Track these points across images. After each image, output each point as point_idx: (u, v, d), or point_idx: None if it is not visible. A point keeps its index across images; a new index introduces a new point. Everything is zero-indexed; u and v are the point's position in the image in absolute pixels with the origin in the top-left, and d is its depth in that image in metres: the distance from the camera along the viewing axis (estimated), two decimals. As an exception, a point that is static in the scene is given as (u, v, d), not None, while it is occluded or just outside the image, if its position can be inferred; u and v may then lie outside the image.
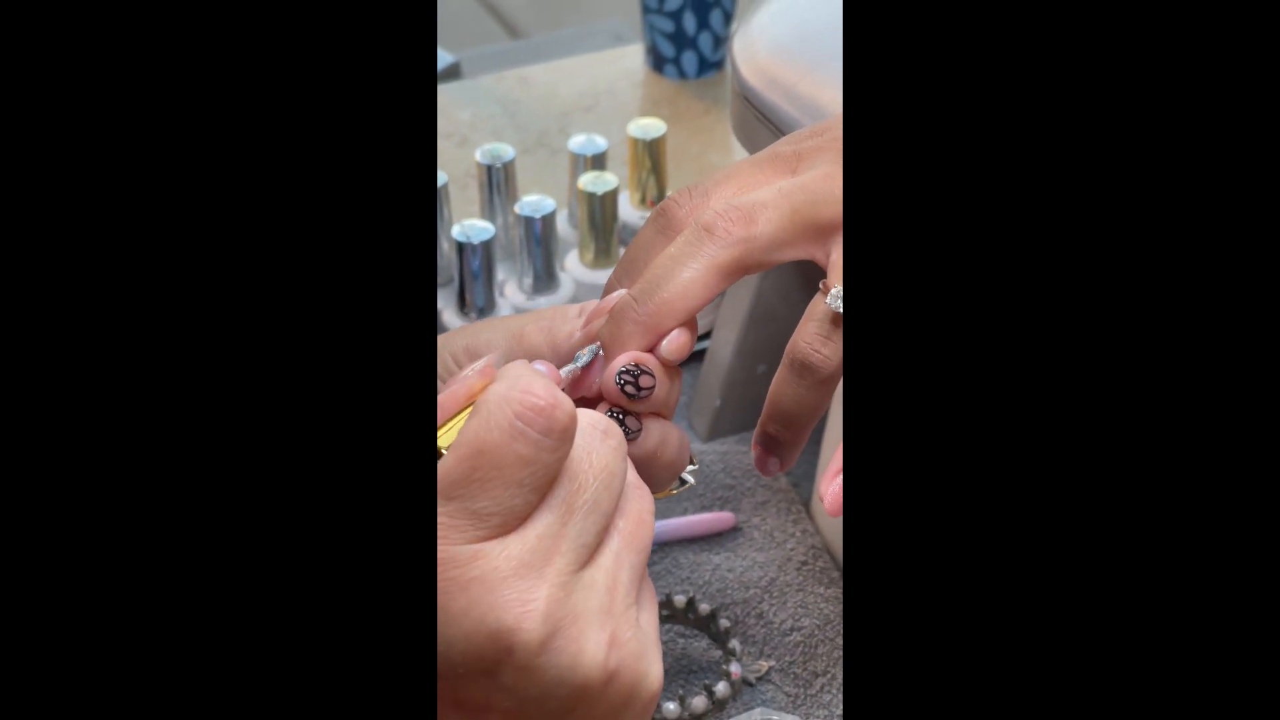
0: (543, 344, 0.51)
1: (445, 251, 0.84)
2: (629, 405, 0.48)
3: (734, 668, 0.67)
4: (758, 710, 0.63)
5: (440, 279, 0.83)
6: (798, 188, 0.50)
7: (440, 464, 0.41)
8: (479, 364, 0.44)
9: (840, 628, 0.70)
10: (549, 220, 0.81)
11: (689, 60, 1.12)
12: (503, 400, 0.41)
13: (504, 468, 0.40)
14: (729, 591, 0.72)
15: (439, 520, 0.40)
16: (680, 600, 0.71)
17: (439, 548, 0.40)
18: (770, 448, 0.53)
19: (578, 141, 0.87)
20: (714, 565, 0.74)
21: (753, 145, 0.69)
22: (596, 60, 1.17)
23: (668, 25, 1.10)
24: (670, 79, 1.13)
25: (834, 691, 0.68)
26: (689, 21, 1.10)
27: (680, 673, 0.70)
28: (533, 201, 0.81)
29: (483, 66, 1.19)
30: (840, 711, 0.67)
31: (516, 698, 0.41)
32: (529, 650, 0.40)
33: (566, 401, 0.42)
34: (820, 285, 0.51)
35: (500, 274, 0.84)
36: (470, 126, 1.08)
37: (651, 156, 0.88)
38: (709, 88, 1.13)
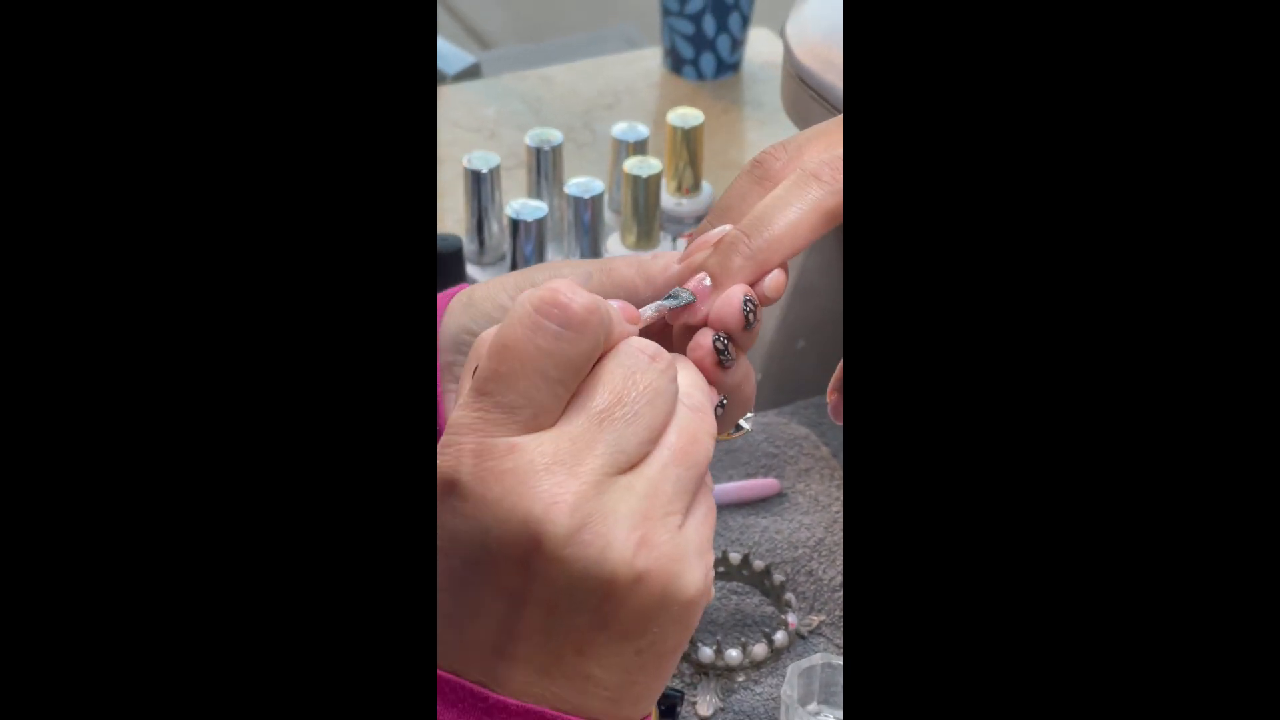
0: (634, 276, 0.52)
1: (496, 232, 0.87)
2: (742, 334, 0.51)
3: (791, 618, 0.71)
4: (819, 655, 0.66)
5: (490, 258, 0.87)
6: None
7: (479, 364, 0.43)
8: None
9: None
10: (597, 201, 0.84)
11: (707, 62, 1.16)
12: (525, 300, 0.43)
13: (526, 360, 0.42)
14: (778, 551, 0.76)
15: (476, 415, 0.42)
16: (735, 557, 0.74)
17: (477, 440, 0.42)
18: None
19: (620, 128, 0.91)
20: (763, 527, 0.77)
21: (806, 122, 0.73)
22: (615, 61, 1.21)
23: (688, 28, 1.14)
24: (689, 80, 1.17)
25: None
26: (709, 24, 1.14)
27: (736, 625, 0.73)
28: (581, 183, 0.84)
29: (498, 68, 1.23)
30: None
31: (549, 588, 0.42)
32: (556, 540, 0.41)
33: (586, 296, 0.43)
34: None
35: (548, 254, 0.87)
36: (496, 122, 1.11)
37: (689, 145, 0.92)
38: (726, 88, 1.17)
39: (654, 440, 0.44)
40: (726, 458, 0.81)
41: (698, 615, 0.44)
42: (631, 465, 0.43)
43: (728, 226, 0.52)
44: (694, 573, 0.43)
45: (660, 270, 0.52)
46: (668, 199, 0.92)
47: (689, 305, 0.51)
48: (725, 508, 0.78)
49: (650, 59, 1.20)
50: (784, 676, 0.69)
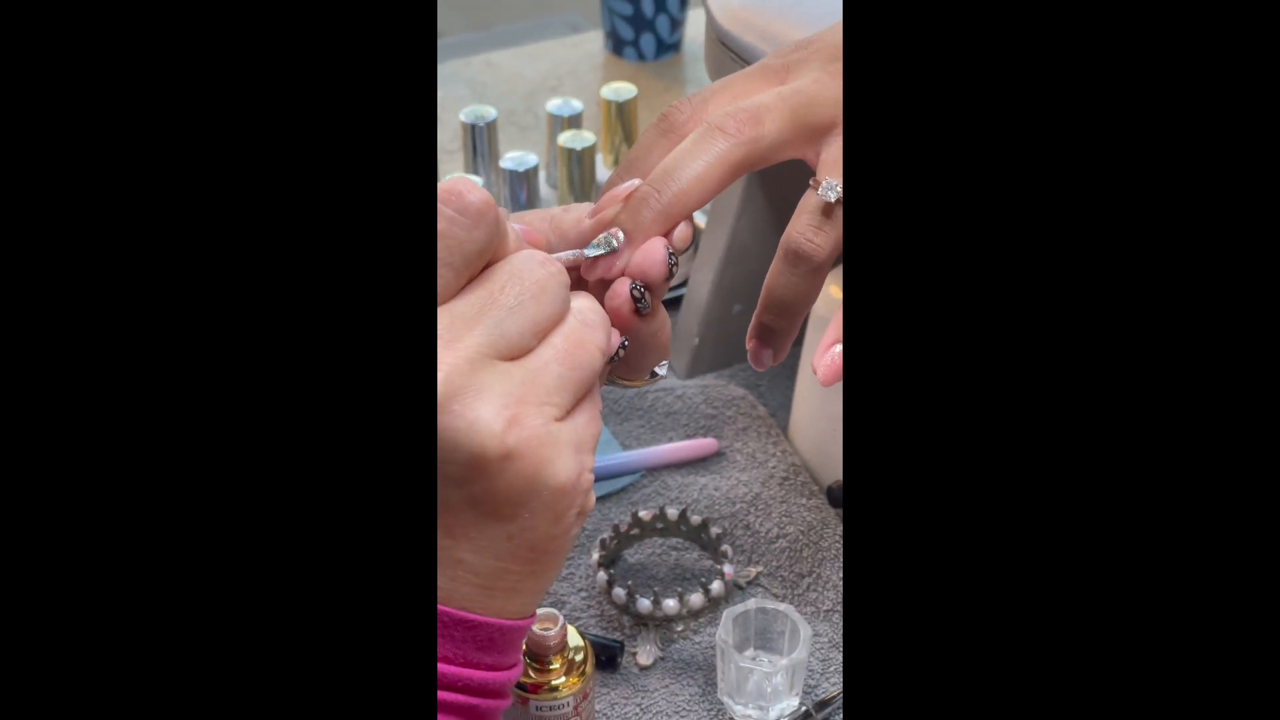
0: (547, 230, 0.53)
1: (434, 208, 0.88)
2: (661, 284, 0.52)
3: (727, 568, 0.72)
4: (753, 600, 0.68)
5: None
6: (794, 92, 0.55)
7: None
8: None
9: (822, 533, 0.75)
10: (533, 174, 0.85)
11: (647, 43, 1.18)
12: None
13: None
14: (716, 507, 0.77)
15: None
16: (673, 513, 0.75)
17: None
18: (766, 339, 0.57)
19: (555, 104, 0.92)
20: (701, 485, 0.79)
21: (729, 87, 0.74)
22: (557, 45, 1.22)
23: (626, 9, 1.16)
24: (629, 61, 1.18)
25: (819, 589, 0.73)
26: (647, 5, 1.16)
27: (675, 579, 0.74)
28: (516, 157, 0.86)
29: (445, 56, 1.24)
30: (826, 607, 0.72)
31: None
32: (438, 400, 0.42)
33: (481, 191, 0.46)
34: (810, 182, 0.56)
35: (486, 228, 0.88)
36: (441, 106, 1.13)
37: (623, 119, 0.93)
38: (667, 68, 1.19)
39: (538, 335, 0.45)
40: (666, 420, 0.83)
41: (570, 509, 0.45)
42: (513, 355, 0.45)
43: (636, 181, 0.53)
44: (566, 461, 0.44)
45: (573, 224, 0.53)
46: (603, 172, 0.93)
47: (605, 256, 0.52)
48: (666, 468, 0.80)
49: (592, 42, 1.22)
50: (715, 626, 0.71)
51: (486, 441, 0.43)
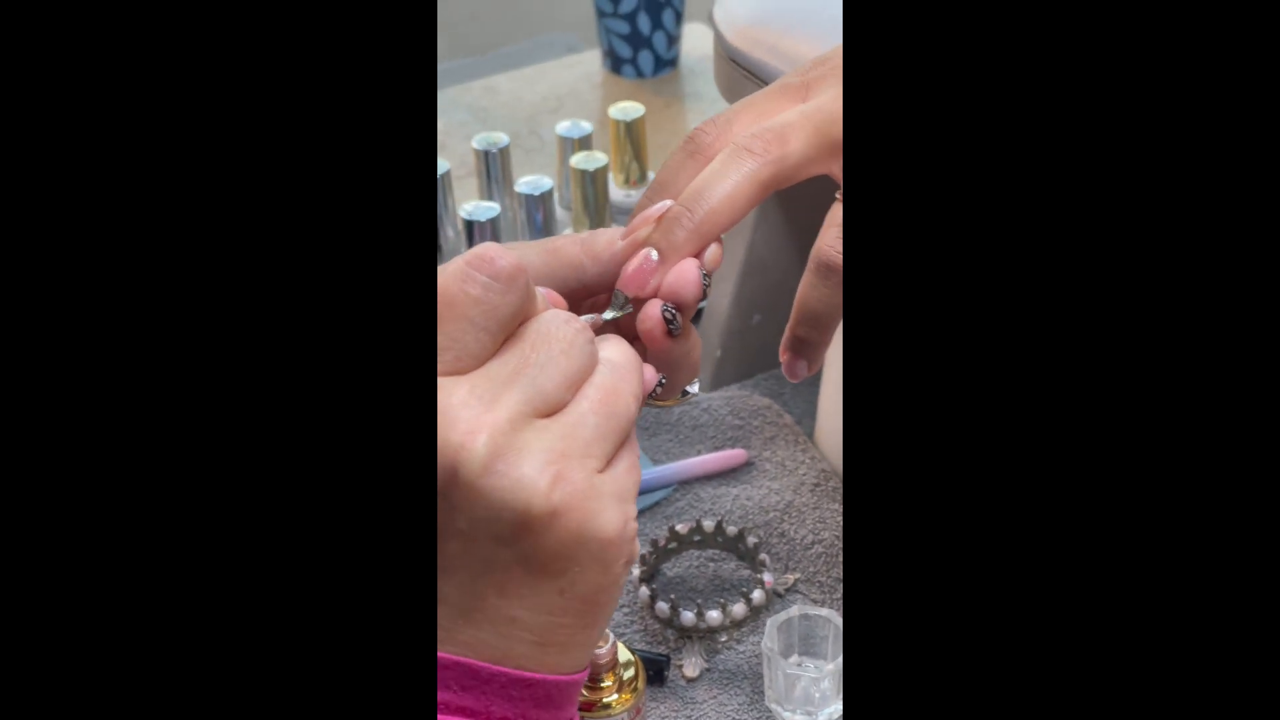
0: (579, 254, 0.54)
1: (451, 237, 0.89)
2: (692, 304, 0.53)
3: (766, 577, 0.73)
4: (795, 606, 0.69)
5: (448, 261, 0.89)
6: (816, 109, 0.56)
7: None
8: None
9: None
10: (548, 198, 0.86)
11: (645, 59, 1.19)
12: (459, 256, 0.46)
13: (456, 306, 0.45)
14: (750, 516, 0.78)
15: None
16: (709, 525, 0.76)
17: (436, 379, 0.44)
18: (799, 351, 0.58)
19: (564, 126, 0.93)
20: (733, 496, 0.80)
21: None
22: (555, 67, 1.23)
23: (623, 27, 1.17)
24: (628, 79, 1.19)
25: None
26: (643, 22, 1.17)
27: (716, 590, 0.75)
28: (530, 181, 0.87)
29: (443, 83, 1.25)
30: (866, 610, 0.74)
31: (467, 518, 0.44)
32: (472, 469, 0.43)
33: (513, 256, 0.46)
34: (836, 195, 0.57)
35: (504, 253, 0.89)
36: (444, 133, 1.14)
37: (632, 138, 0.94)
38: (666, 84, 1.20)
39: (572, 388, 0.46)
40: (694, 433, 0.84)
41: (618, 559, 0.45)
42: (550, 411, 0.45)
43: (668, 202, 0.55)
44: (611, 513, 0.45)
45: (605, 246, 0.54)
46: (616, 192, 0.94)
47: (638, 272, 0.53)
48: (696, 480, 0.81)
49: (590, 62, 1.23)
50: (762, 635, 0.72)
51: (532, 499, 0.43)
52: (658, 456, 0.83)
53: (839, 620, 0.68)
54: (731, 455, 0.82)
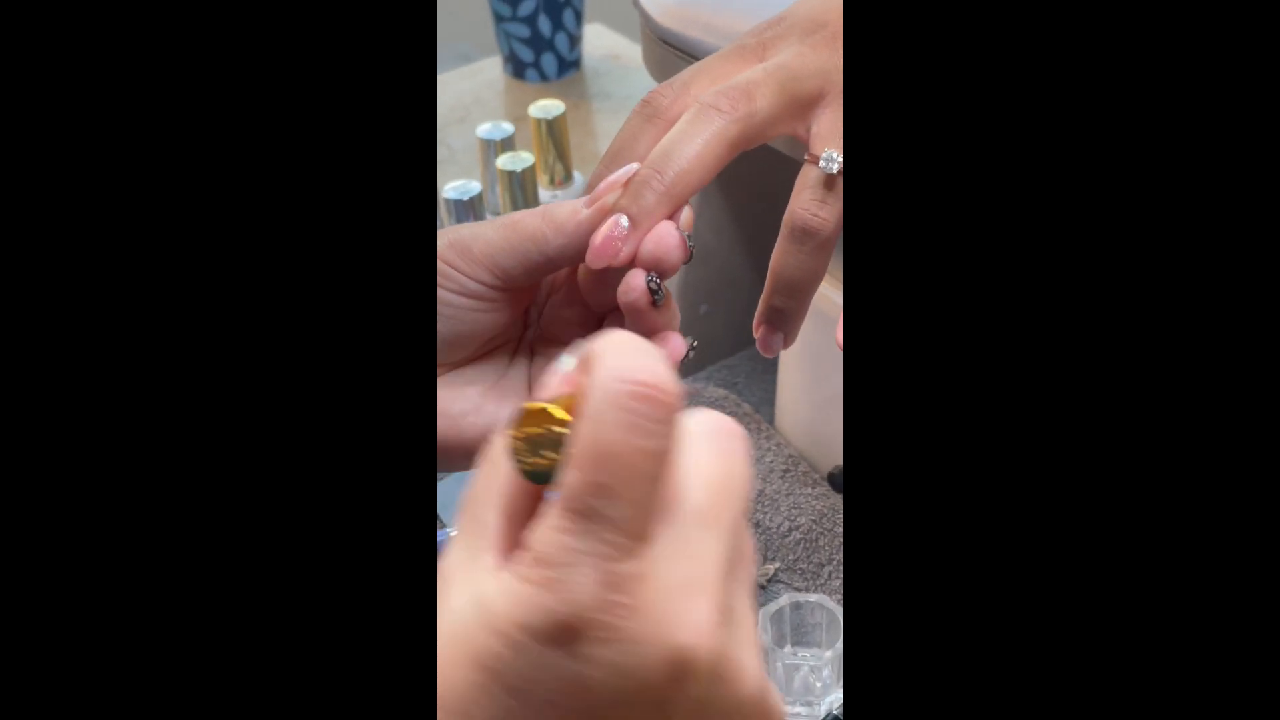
0: (540, 226, 0.51)
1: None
2: (675, 270, 0.51)
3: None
4: (784, 595, 0.67)
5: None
6: (778, 67, 0.54)
7: (565, 481, 0.33)
8: (569, 361, 0.36)
9: (835, 519, 0.74)
10: (477, 202, 0.83)
11: (549, 62, 1.16)
12: (612, 391, 0.33)
13: (631, 465, 0.33)
14: (721, 510, 0.76)
15: (586, 541, 0.33)
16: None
17: (600, 571, 0.33)
18: (776, 323, 0.56)
19: (485, 128, 0.90)
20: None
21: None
22: (454, 77, 1.21)
23: (523, 31, 1.14)
24: (532, 83, 1.17)
25: (841, 575, 0.72)
26: (544, 24, 1.14)
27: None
28: (459, 186, 0.84)
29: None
30: (852, 593, 0.72)
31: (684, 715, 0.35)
32: (701, 674, 0.34)
33: (673, 377, 0.34)
34: (806, 157, 0.55)
35: (434, 264, 0.86)
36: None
37: (554, 136, 0.92)
38: (571, 86, 1.17)
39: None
40: (651, 431, 0.81)
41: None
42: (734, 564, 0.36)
43: (634, 166, 0.52)
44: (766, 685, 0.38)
45: (569, 216, 0.51)
46: (544, 193, 0.92)
47: (608, 242, 0.50)
48: (660, 479, 0.78)
49: (491, 69, 1.21)
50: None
51: (751, 693, 0.35)
52: (617, 458, 0.80)
53: (831, 605, 0.66)
54: (693, 449, 0.79)
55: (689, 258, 0.51)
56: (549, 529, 0.33)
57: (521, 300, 0.54)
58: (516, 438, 0.34)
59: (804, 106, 0.54)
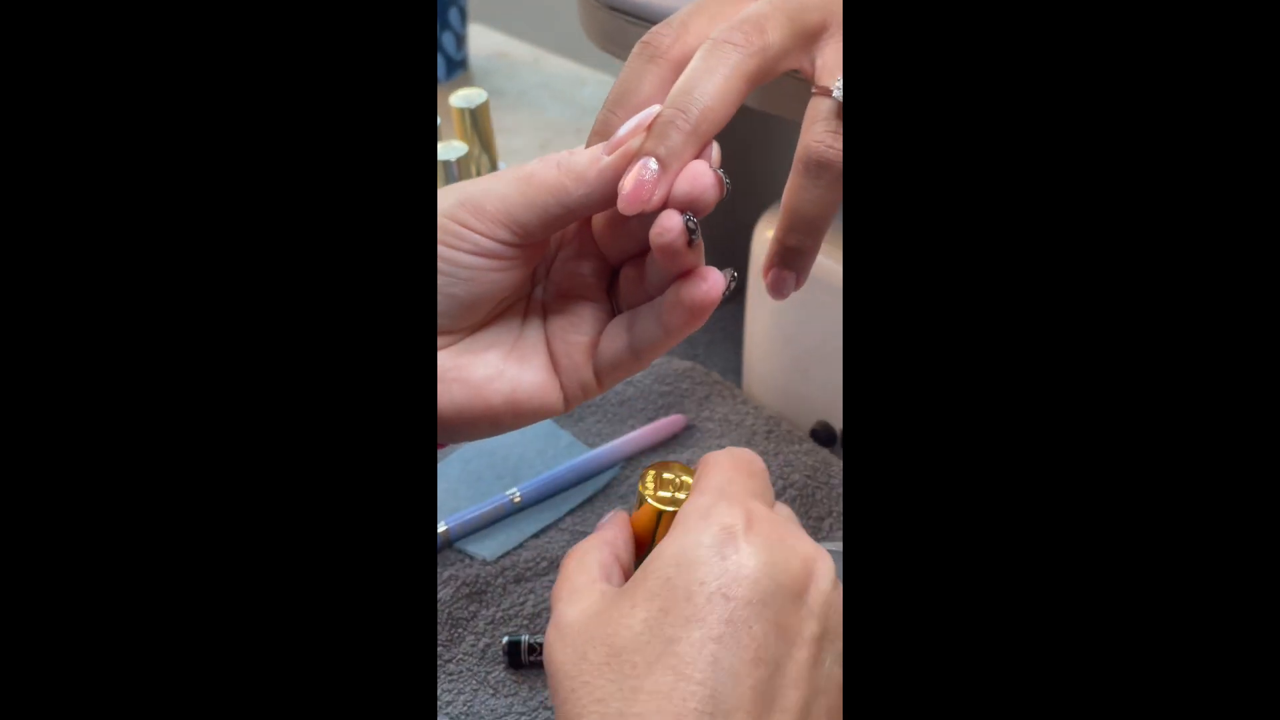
0: (561, 178, 0.50)
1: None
2: (711, 208, 0.50)
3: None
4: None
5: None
6: (783, 0, 0.54)
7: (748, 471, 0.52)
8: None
9: (828, 472, 0.74)
10: (418, 195, 0.82)
11: (437, 63, 1.14)
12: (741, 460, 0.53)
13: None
14: (711, 477, 0.75)
15: (738, 505, 0.49)
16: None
17: (747, 508, 0.49)
18: (791, 261, 0.55)
19: (411, 124, 0.88)
20: (687, 460, 0.76)
21: (628, 50, 0.72)
22: (340, 88, 1.18)
23: (410, 33, 1.13)
24: (423, 86, 1.15)
25: (842, 528, 0.72)
26: (430, 24, 1.13)
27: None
28: (397, 181, 0.81)
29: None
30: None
31: (820, 625, 0.47)
32: (824, 573, 0.48)
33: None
34: (814, 89, 0.54)
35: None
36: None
37: (478, 126, 0.90)
38: (461, 86, 1.16)
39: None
40: (622, 408, 0.80)
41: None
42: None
43: (656, 108, 0.51)
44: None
45: (589, 164, 0.50)
46: (472, 185, 0.90)
47: (639, 187, 0.49)
48: (641, 454, 0.77)
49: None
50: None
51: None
52: (592, 440, 0.79)
53: (838, 547, 0.66)
54: (670, 422, 0.78)
55: (725, 194, 0.50)
56: (688, 520, 0.49)
57: (534, 256, 0.52)
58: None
59: (810, 38, 0.54)
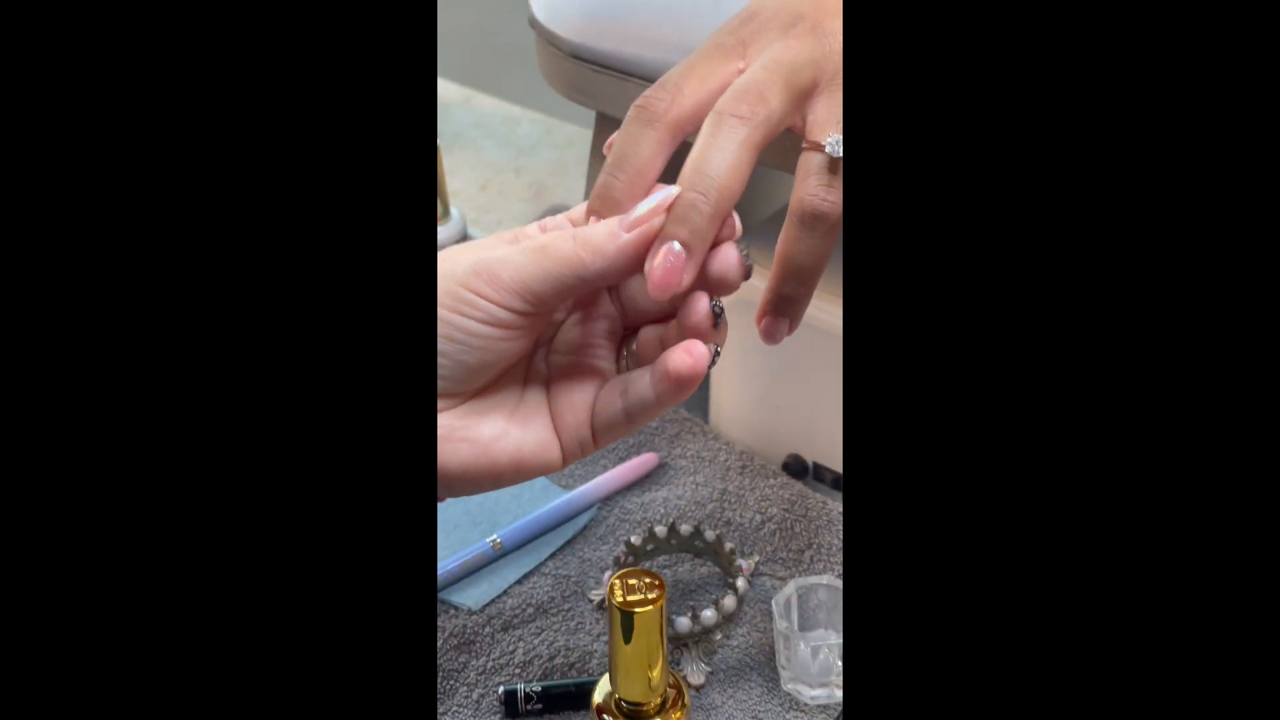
0: (578, 251, 0.51)
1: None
2: (737, 288, 0.51)
3: (741, 563, 0.71)
4: (791, 583, 0.67)
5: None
6: (775, 63, 0.55)
7: None
8: None
9: (805, 504, 0.75)
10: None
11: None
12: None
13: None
14: (689, 514, 0.76)
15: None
16: (661, 530, 0.74)
17: None
18: (784, 310, 0.57)
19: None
20: (662, 500, 0.77)
21: (595, 98, 0.73)
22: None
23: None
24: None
25: (824, 558, 0.73)
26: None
27: (693, 592, 0.73)
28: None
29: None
30: (838, 571, 0.73)
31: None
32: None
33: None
34: (804, 145, 0.56)
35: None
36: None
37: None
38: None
39: None
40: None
41: None
42: None
43: (674, 189, 0.52)
44: None
45: (607, 239, 0.51)
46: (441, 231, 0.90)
47: (667, 271, 0.50)
48: (616, 495, 0.78)
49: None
50: (749, 624, 0.70)
51: None
52: (566, 481, 0.79)
53: (838, 584, 0.67)
54: (643, 460, 0.79)
55: (748, 274, 0.52)
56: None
57: (541, 323, 0.53)
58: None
59: (803, 98, 0.55)
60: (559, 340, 0.56)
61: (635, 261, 0.51)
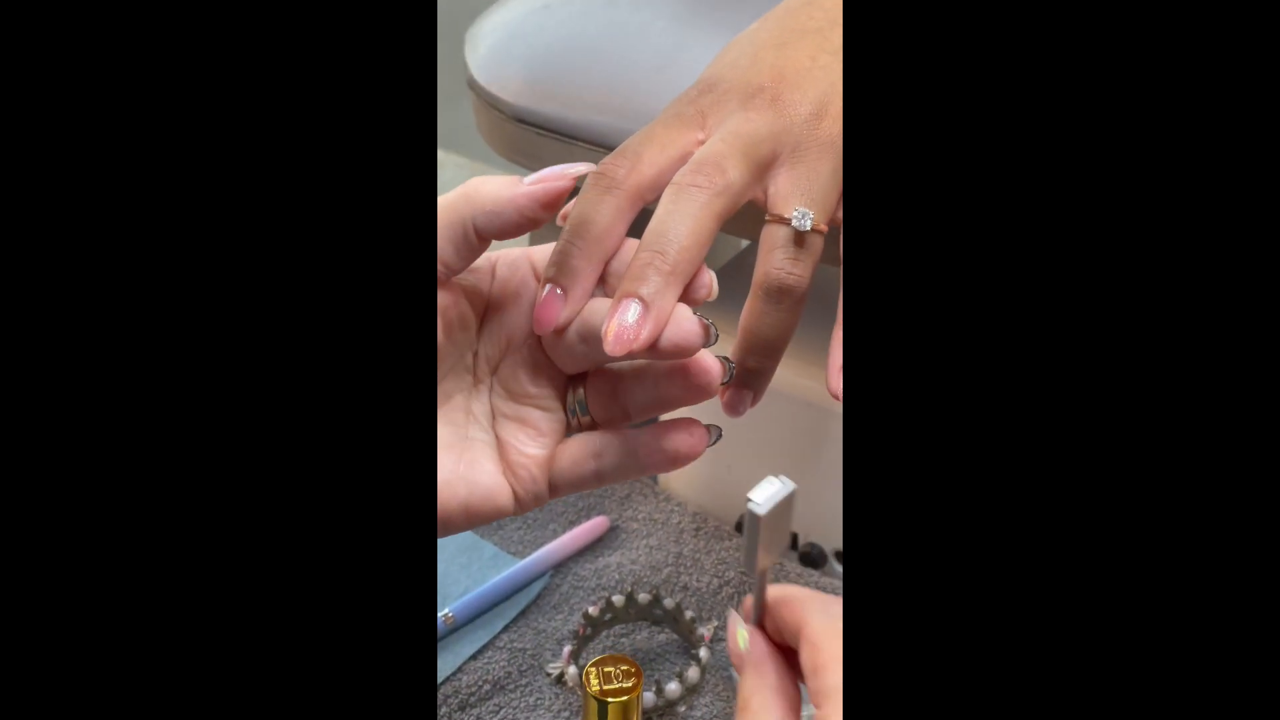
0: (471, 181, 0.52)
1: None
2: (698, 350, 0.51)
3: (702, 630, 0.70)
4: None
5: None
6: (734, 135, 0.54)
7: None
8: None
9: (761, 568, 0.74)
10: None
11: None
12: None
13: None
14: (645, 579, 0.75)
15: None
16: (619, 600, 0.72)
17: None
18: (748, 382, 0.56)
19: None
20: (615, 565, 0.76)
21: (537, 159, 0.72)
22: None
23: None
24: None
25: (785, 622, 0.72)
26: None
27: (654, 661, 0.71)
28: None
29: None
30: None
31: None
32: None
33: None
34: (767, 218, 0.55)
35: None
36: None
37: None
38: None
39: None
40: (543, 514, 0.79)
41: None
42: None
43: (588, 165, 0.52)
44: None
45: (506, 183, 0.51)
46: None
47: (627, 328, 0.50)
48: (568, 561, 0.77)
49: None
50: (711, 693, 0.69)
51: None
52: (515, 548, 0.78)
53: None
54: (594, 525, 0.78)
55: (712, 339, 0.51)
56: None
57: (456, 299, 0.53)
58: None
59: (763, 170, 0.55)
60: (501, 382, 0.54)
61: (529, 213, 0.51)
